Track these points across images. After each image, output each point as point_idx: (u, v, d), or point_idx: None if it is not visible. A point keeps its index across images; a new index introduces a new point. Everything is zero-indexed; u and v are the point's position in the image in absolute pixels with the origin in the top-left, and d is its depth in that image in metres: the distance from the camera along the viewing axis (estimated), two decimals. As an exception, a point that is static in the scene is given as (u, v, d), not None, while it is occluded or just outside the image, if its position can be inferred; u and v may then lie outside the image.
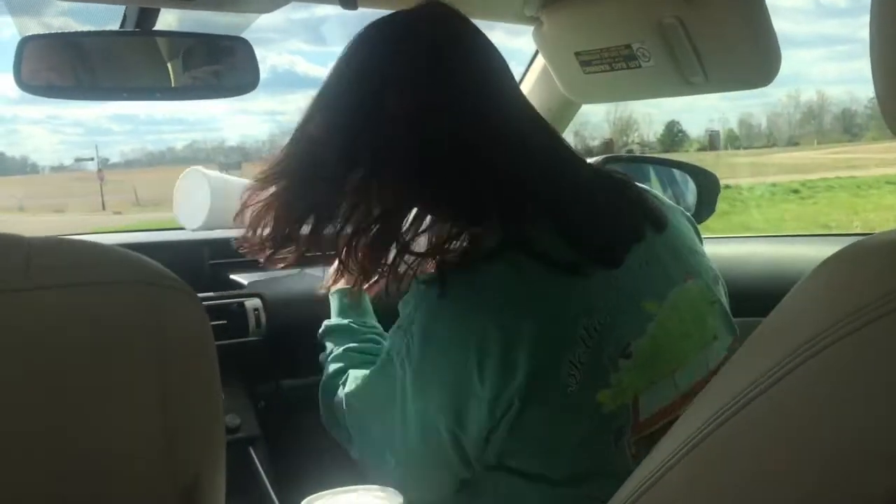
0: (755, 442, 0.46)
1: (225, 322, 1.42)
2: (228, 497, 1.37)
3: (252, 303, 1.48)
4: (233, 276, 1.59)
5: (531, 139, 0.88)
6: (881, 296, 0.42)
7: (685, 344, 0.86)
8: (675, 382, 0.84)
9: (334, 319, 1.11)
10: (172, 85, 1.37)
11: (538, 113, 0.93)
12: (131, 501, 0.42)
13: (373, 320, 1.11)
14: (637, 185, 0.95)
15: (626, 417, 0.81)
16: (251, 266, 1.66)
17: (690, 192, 1.78)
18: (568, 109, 1.62)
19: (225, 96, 1.34)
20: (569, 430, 0.80)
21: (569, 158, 0.91)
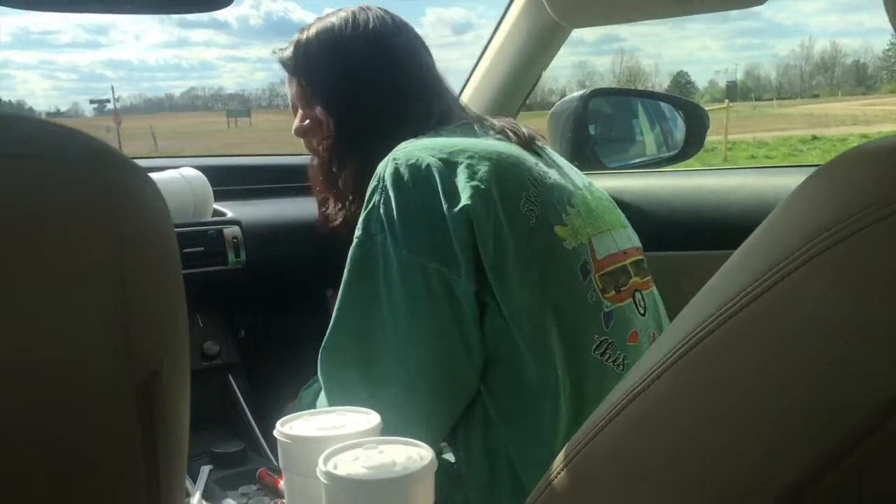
0: (742, 351, 0.45)
1: (202, 249, 1.40)
2: (208, 424, 1.39)
3: (231, 231, 1.45)
4: (215, 206, 1.56)
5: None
6: (868, 204, 0.41)
7: (608, 216, 1.06)
8: (614, 239, 1.03)
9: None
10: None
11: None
12: (85, 384, 0.39)
13: None
14: None
15: (586, 255, 0.97)
16: (235, 196, 1.64)
17: (679, 128, 1.73)
18: (557, 34, 1.57)
19: (199, 10, 1.30)
20: (538, 265, 0.92)
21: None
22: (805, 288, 0.42)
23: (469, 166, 0.93)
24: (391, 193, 0.93)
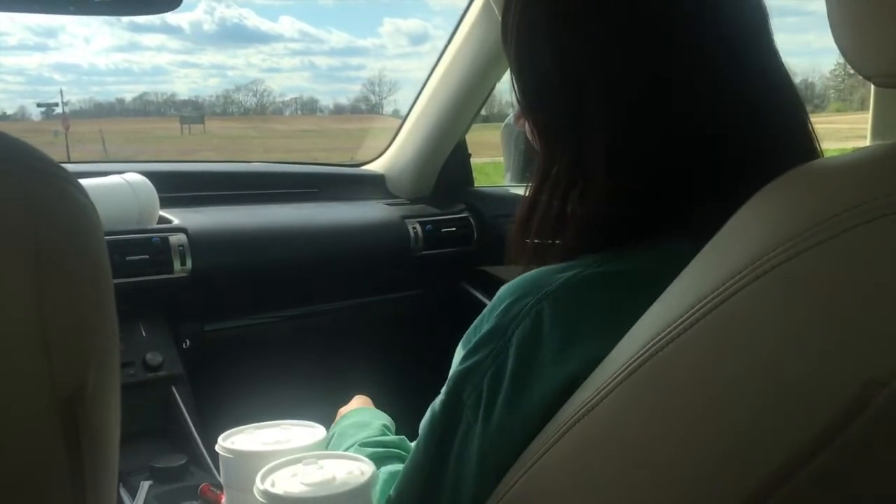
0: (691, 368, 0.45)
1: (147, 257, 1.37)
2: (149, 437, 1.35)
3: (177, 238, 1.42)
4: (161, 213, 1.52)
5: None
6: (818, 222, 0.42)
7: None
8: None
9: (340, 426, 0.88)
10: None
11: None
12: (3, 402, 0.37)
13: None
14: None
15: None
16: (182, 202, 1.61)
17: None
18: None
19: (146, 13, 1.26)
20: None
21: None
22: (749, 308, 0.43)
23: None
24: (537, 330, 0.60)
